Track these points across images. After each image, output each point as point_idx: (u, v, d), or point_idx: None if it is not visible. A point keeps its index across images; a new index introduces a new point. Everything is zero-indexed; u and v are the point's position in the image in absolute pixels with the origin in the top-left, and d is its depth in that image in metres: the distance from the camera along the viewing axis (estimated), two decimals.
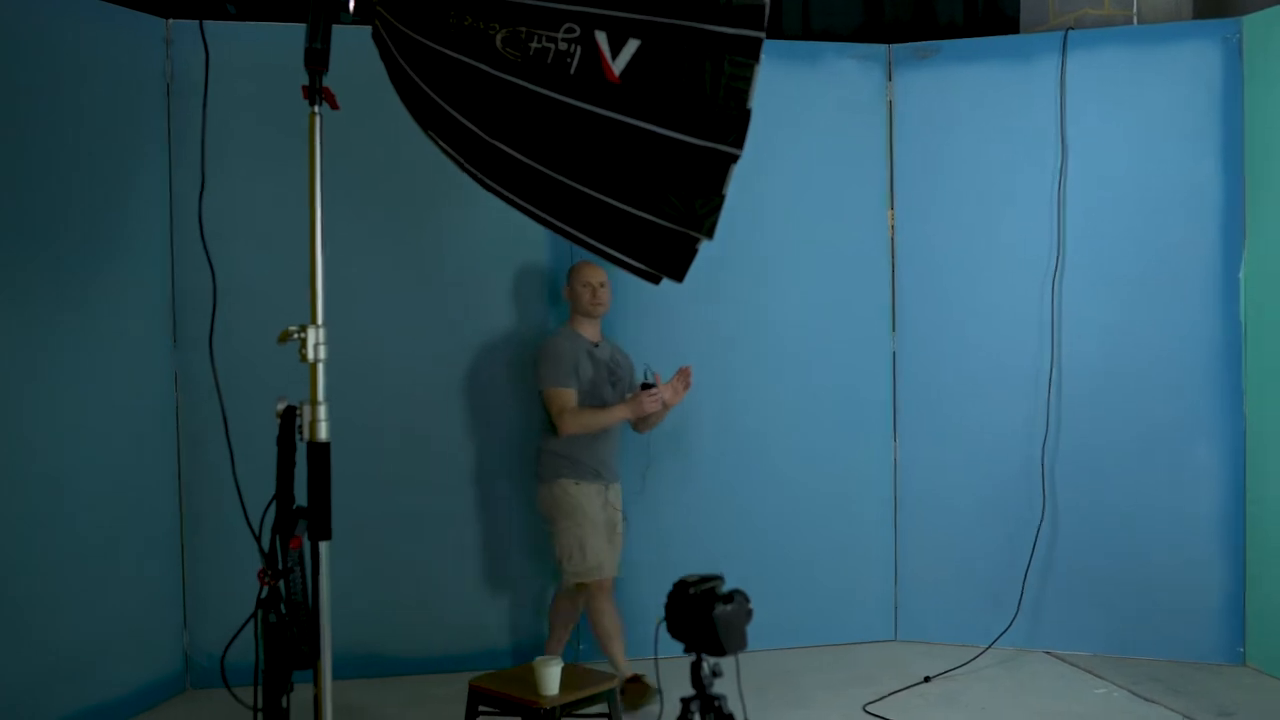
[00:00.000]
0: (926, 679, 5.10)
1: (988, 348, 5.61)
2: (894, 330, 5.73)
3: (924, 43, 5.77)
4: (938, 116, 5.71)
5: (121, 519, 4.73)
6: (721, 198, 3.01)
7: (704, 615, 2.55)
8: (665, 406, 4.72)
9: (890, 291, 5.74)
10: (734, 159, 2.96)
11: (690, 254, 3.15)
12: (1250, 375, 5.28)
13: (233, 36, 4.94)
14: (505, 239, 5.23)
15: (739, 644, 2.58)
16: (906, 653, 5.51)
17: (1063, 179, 5.51)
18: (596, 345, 4.83)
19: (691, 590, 2.58)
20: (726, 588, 2.63)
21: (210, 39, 4.46)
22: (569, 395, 4.67)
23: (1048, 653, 5.48)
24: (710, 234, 3.08)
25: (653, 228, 3.08)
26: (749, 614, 2.61)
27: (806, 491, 5.61)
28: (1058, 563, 5.50)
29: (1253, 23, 5.30)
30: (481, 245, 5.25)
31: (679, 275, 3.22)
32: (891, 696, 4.91)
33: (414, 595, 5.24)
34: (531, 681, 3.81)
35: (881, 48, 5.77)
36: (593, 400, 4.73)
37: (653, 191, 3.03)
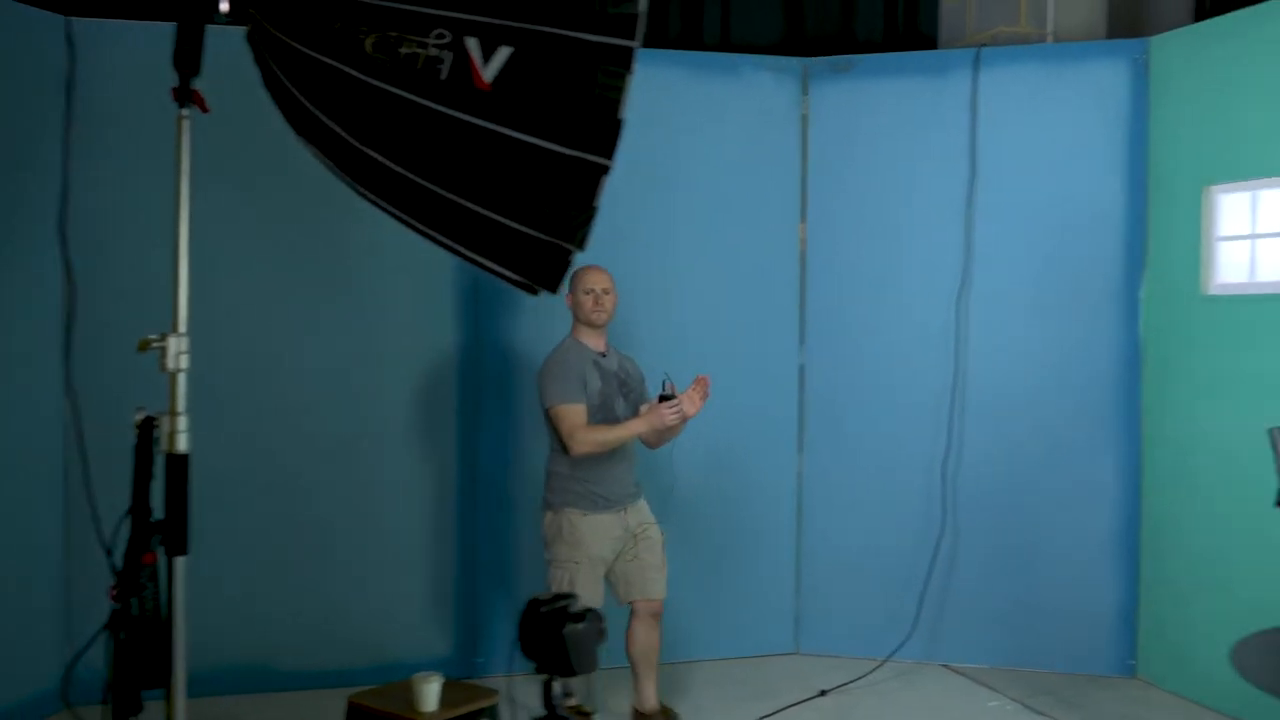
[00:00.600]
0: (823, 693, 5.10)
1: (894, 362, 5.63)
2: (802, 343, 5.73)
3: (839, 57, 5.78)
4: (852, 130, 5.72)
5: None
6: (594, 209, 2.97)
7: (554, 634, 2.52)
8: (684, 419, 4.29)
9: (799, 304, 5.74)
10: (605, 170, 2.92)
11: (564, 265, 3.12)
12: (1147, 393, 5.33)
13: (121, 35, 4.87)
14: (408, 243, 5.14)
15: (590, 664, 2.55)
16: (807, 666, 5.51)
17: (972, 195, 5.53)
18: (603, 355, 4.48)
19: (543, 609, 2.55)
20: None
21: (103, 37, 4.38)
22: (579, 412, 4.29)
23: (944, 666, 5.51)
24: (582, 245, 3.05)
25: (525, 238, 3.04)
26: (601, 634, 2.58)
27: (710, 503, 5.59)
28: (957, 576, 5.52)
29: (1159, 44, 5.36)
30: (385, 251, 5.17)
31: (553, 286, 3.18)
32: (786, 711, 4.90)
33: (310, 608, 5.15)
34: (410, 698, 3.76)
35: (798, 61, 5.77)
36: (604, 414, 4.37)
37: (524, 202, 2.99)
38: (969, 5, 6.04)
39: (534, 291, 3.26)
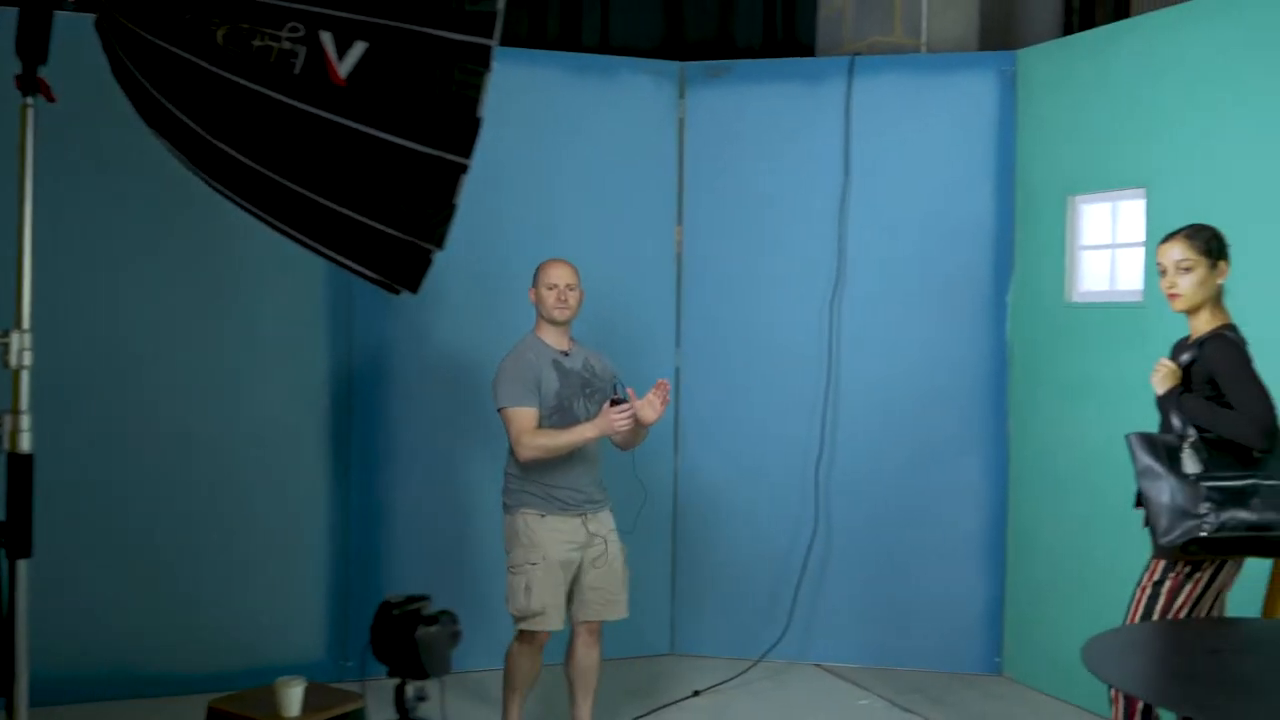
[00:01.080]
0: (696, 693, 5.13)
1: (769, 365, 5.68)
2: (678, 346, 5.76)
3: (716, 61, 5.82)
4: (728, 135, 5.76)
5: None
6: (453, 207, 2.94)
7: (406, 637, 2.49)
8: (641, 424, 4.14)
9: (676, 307, 5.77)
10: (464, 169, 2.89)
11: (424, 264, 3.08)
12: (1014, 396, 5.46)
13: None
14: (277, 236, 5.06)
15: (443, 667, 2.52)
16: (682, 666, 5.53)
17: (846, 201, 5.61)
18: (566, 354, 4.28)
19: (395, 611, 2.52)
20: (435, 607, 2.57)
21: None
22: (527, 415, 4.11)
23: (817, 665, 5.57)
24: (441, 244, 3.01)
25: (383, 237, 3.00)
26: (455, 636, 2.56)
27: None
28: (829, 577, 5.59)
29: (1026, 56, 5.49)
30: (253, 244, 4.97)
31: (414, 286, 3.14)
32: (660, 711, 4.91)
33: (174, 611, 5.03)
34: (273, 703, 3.68)
35: (675, 65, 5.80)
36: (562, 417, 4.18)
37: (381, 200, 2.95)
38: (846, 15, 6.12)
39: (395, 290, 3.22)
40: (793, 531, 5.61)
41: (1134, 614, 3.50)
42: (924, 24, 6.02)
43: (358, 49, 2.80)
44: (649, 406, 4.09)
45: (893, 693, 5.17)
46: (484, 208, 4.96)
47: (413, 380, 5.33)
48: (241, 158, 2.92)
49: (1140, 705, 3.44)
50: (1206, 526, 3.30)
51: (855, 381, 5.61)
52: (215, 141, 2.91)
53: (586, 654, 4.32)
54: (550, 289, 4.24)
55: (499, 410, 4.17)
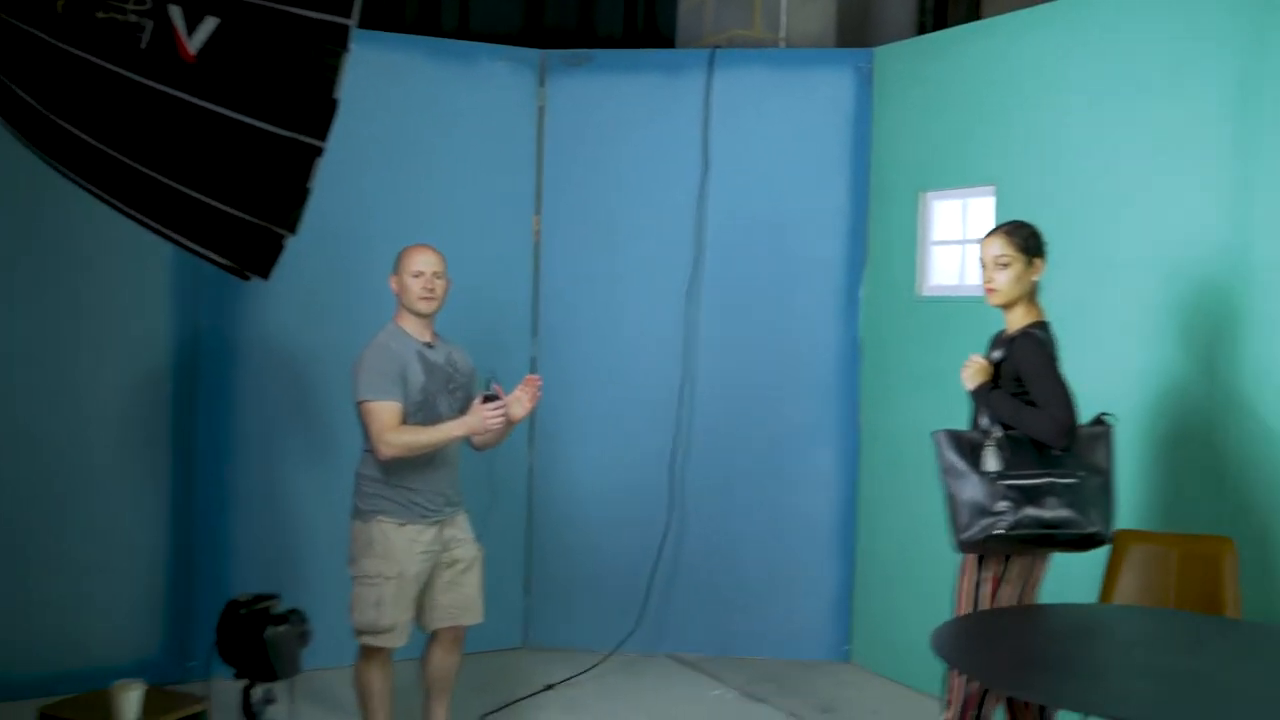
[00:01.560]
0: (549, 686, 5.10)
1: (626, 356, 5.68)
2: (535, 336, 5.71)
3: (576, 50, 5.78)
4: (588, 125, 5.73)
5: None
6: (307, 191, 2.85)
7: (255, 637, 2.40)
8: (510, 422, 3.95)
9: (533, 297, 5.71)
10: (319, 152, 2.80)
11: (277, 250, 2.98)
12: (865, 386, 5.55)
13: None
14: (117, 217, 4.85)
15: (292, 668, 2.44)
16: (534, 660, 5.49)
17: (704, 193, 5.63)
18: (430, 346, 4.01)
19: (243, 610, 2.43)
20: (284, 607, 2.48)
21: None
22: (391, 410, 3.82)
23: (670, 656, 5.59)
24: (294, 229, 2.92)
25: (233, 221, 2.89)
26: (305, 635, 2.48)
27: None
28: (683, 567, 5.62)
29: (882, 54, 5.58)
30: (90, 225, 4.75)
31: (264, 272, 3.04)
32: (512, 706, 4.87)
33: (12, 610, 4.78)
34: (109, 708, 3.53)
35: (535, 52, 5.73)
36: (426, 413, 3.91)
37: (232, 182, 2.84)
38: (706, 8, 6.14)
39: (245, 277, 3.11)
40: (647, 522, 5.61)
41: (960, 610, 3.55)
42: (783, 19, 6.07)
43: (208, 24, 2.69)
44: (518, 403, 3.93)
45: (745, 682, 5.22)
46: (338, 193, 4.81)
47: (261, 371, 5.16)
48: (83, 136, 2.77)
49: (977, 694, 3.51)
50: (1003, 524, 3.36)
51: (711, 372, 5.64)
52: (54, 118, 2.76)
53: (445, 658, 4.15)
54: (416, 276, 3.94)
55: (359, 403, 3.88)
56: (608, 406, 5.67)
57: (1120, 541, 3.94)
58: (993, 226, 3.73)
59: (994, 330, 4.85)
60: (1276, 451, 3.92)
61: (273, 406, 5.19)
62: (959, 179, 5.16)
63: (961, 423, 4.80)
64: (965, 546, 3.47)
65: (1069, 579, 4.31)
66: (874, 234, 5.56)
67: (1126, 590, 3.88)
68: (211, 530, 5.10)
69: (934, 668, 4.96)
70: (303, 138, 2.77)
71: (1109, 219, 4.47)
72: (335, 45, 2.75)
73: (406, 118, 5.41)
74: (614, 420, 5.67)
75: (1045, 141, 4.75)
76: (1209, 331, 4.14)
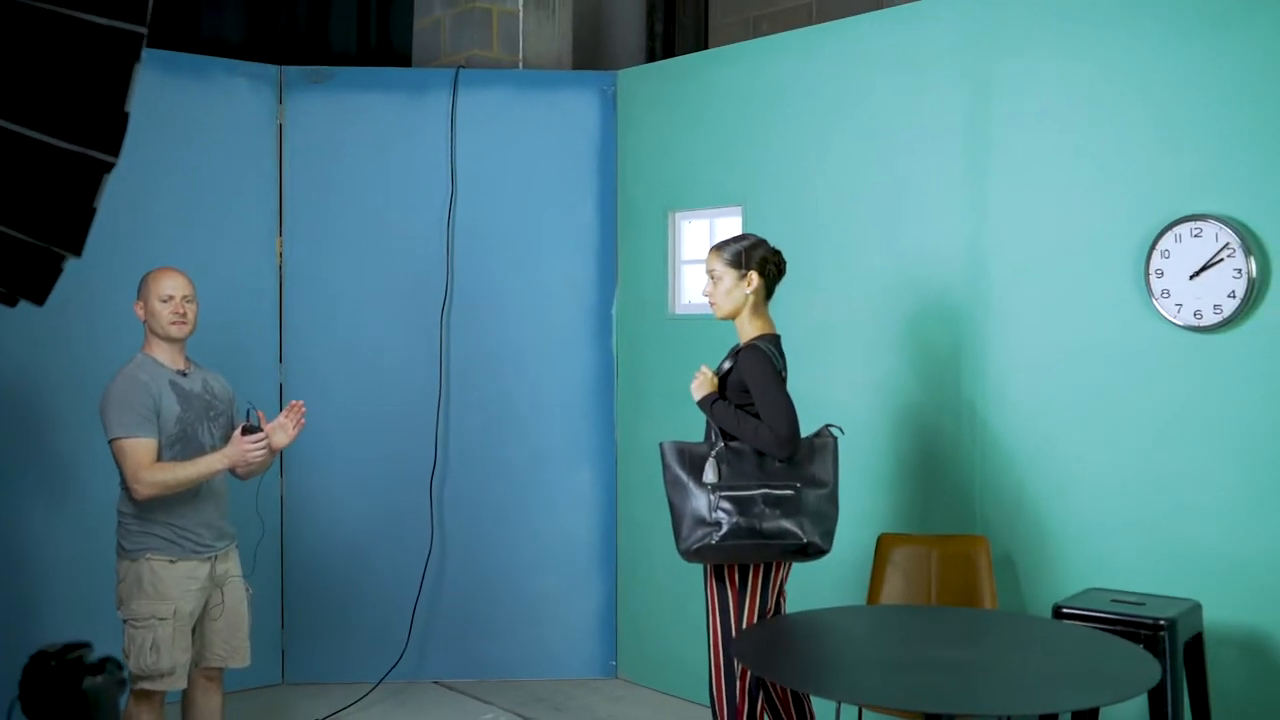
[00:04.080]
0: None
1: (380, 379, 5.56)
2: (281, 362, 5.50)
3: (317, 67, 5.62)
4: (331, 143, 5.58)
5: None
6: (93, 210, 2.65)
7: (73, 688, 2.20)
8: (273, 450, 3.78)
9: (278, 321, 5.51)
10: (108, 167, 2.61)
11: (55, 273, 2.75)
12: (620, 405, 5.64)
13: None
14: None
15: (113, 718, 2.26)
16: (294, 696, 5.29)
17: (453, 214, 5.58)
18: (184, 374, 3.84)
19: (53, 661, 2.22)
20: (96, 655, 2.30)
21: None
22: (145, 448, 3.64)
23: (437, 682, 5.50)
24: (79, 251, 2.71)
25: (9, 241, 2.65)
26: (122, 684, 2.29)
27: None
28: (447, 592, 5.54)
29: (625, 77, 5.70)
30: None
31: (39, 297, 2.80)
32: None
33: None
34: None
35: (273, 68, 5.54)
36: (185, 445, 3.74)
37: (8, 200, 2.61)
38: (443, 27, 6.10)
39: (11, 303, 2.85)
40: (408, 548, 5.50)
41: (714, 636, 3.60)
42: (521, 41, 6.11)
43: None
44: (281, 430, 3.80)
45: (515, 704, 5.19)
46: None
47: None
48: None
49: (744, 700, 3.60)
50: (717, 536, 3.48)
51: (466, 394, 5.59)
52: None
53: (208, 701, 3.95)
54: (165, 301, 3.80)
55: (110, 442, 3.69)
56: (361, 432, 5.53)
57: (883, 544, 4.17)
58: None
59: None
60: (1013, 454, 4.24)
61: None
62: (706, 199, 5.33)
63: None
64: (686, 556, 3.56)
65: (839, 582, 4.54)
66: (624, 253, 5.66)
67: (892, 590, 4.10)
68: None
69: (699, 677, 5.12)
70: (91, 152, 2.58)
71: (851, 238, 4.73)
72: (127, 54, 2.58)
73: (141, 135, 5.04)
74: (368, 446, 5.53)
75: (789, 163, 4.97)
76: (948, 345, 4.44)
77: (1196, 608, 3.61)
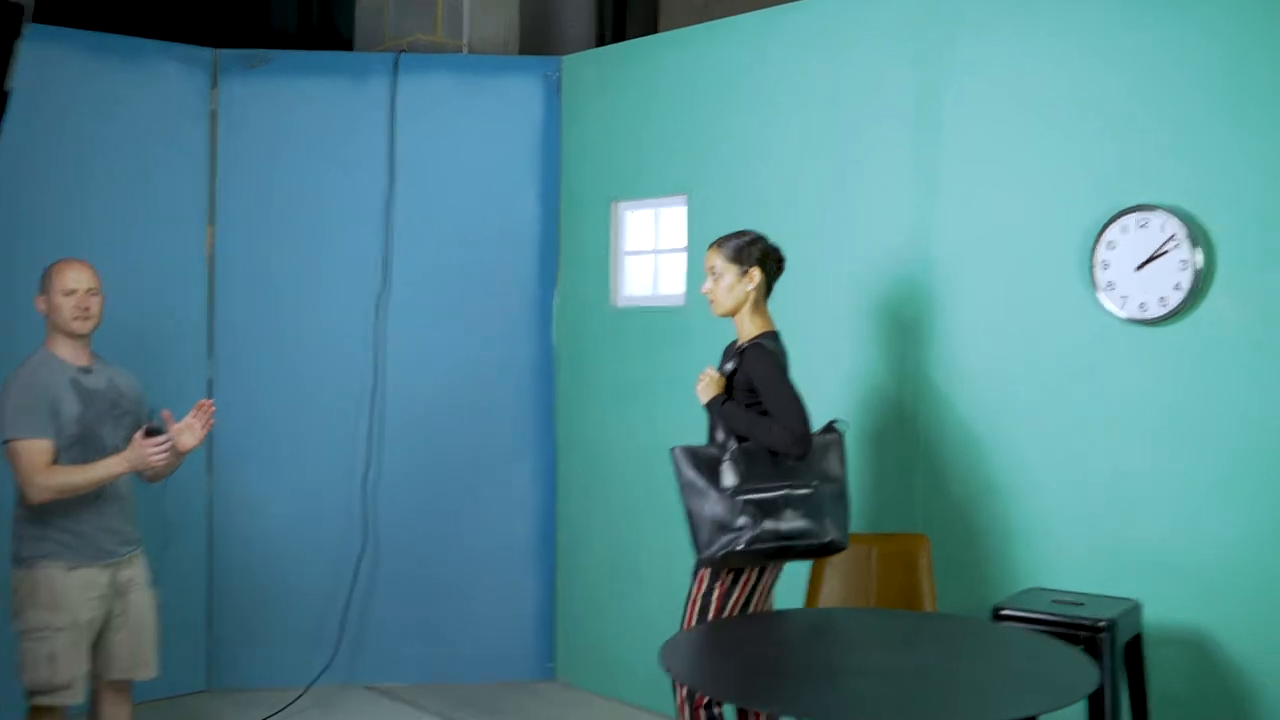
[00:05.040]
0: None
1: (313, 374, 5.39)
2: (211, 355, 5.32)
3: (253, 50, 5.44)
4: (267, 129, 5.41)
5: None
6: None
7: None
8: (180, 451, 3.58)
9: (208, 313, 5.33)
10: None
11: None
12: (561, 400, 5.50)
13: None
14: None
15: None
16: (220, 704, 5.11)
17: (391, 202, 5.42)
18: (88, 371, 3.65)
19: None
20: None
21: None
22: (41, 449, 3.47)
23: (369, 687, 5.34)
24: None
25: None
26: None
27: None
28: (379, 594, 5.38)
29: (570, 63, 5.55)
30: None
31: None
32: None
33: None
34: None
35: (208, 51, 5.36)
36: (86, 446, 3.56)
37: None
38: (386, 10, 5.94)
39: None
40: (340, 549, 5.34)
41: (689, 623, 3.54)
42: (466, 25, 5.95)
43: None
44: (189, 431, 3.59)
45: (449, 708, 5.04)
46: None
47: None
48: None
49: (703, 704, 3.50)
50: (743, 540, 3.38)
51: (402, 389, 5.43)
52: None
53: (116, 714, 3.76)
54: (68, 295, 3.61)
55: (4, 443, 3.51)
56: (294, 428, 5.36)
57: None
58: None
59: (692, 337, 4.94)
60: (955, 451, 4.13)
61: None
62: (650, 188, 5.19)
63: (664, 431, 4.85)
64: (710, 563, 3.45)
65: (777, 583, 4.40)
66: (566, 244, 5.52)
67: (831, 591, 3.98)
68: None
69: (641, 679, 5.00)
70: None
71: (801, 227, 4.59)
72: (7, 32, 2.42)
73: (64, 120, 4.94)
74: (301, 443, 5.36)
75: (736, 151, 4.84)
76: (890, 339, 4.32)
77: (1136, 608, 3.52)
